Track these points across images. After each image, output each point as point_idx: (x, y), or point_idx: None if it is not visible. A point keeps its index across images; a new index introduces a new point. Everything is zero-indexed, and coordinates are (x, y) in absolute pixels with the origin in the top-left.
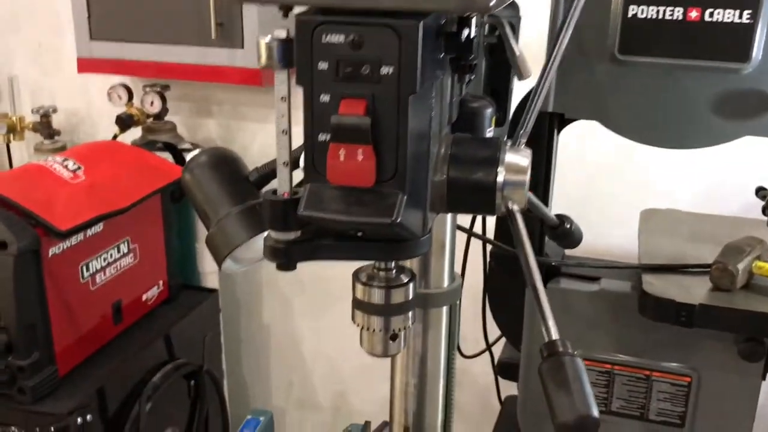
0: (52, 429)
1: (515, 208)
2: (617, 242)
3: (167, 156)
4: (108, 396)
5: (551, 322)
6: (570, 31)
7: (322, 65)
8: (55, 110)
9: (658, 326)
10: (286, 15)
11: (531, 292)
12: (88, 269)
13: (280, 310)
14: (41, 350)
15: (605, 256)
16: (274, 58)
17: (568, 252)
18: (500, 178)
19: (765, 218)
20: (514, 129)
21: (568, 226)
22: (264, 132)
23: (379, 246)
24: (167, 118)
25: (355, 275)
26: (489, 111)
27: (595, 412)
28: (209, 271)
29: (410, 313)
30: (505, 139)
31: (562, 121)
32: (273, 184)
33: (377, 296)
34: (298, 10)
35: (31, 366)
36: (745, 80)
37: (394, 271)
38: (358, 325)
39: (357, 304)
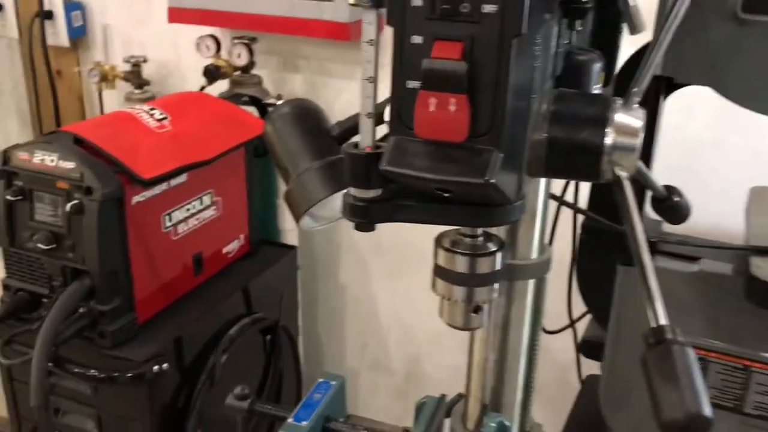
0: (129, 375)
1: (623, 174)
2: (719, 221)
3: (252, 110)
4: (185, 346)
5: (659, 305)
6: None
7: (416, 2)
8: (145, 60)
9: (762, 314)
10: None
11: (638, 269)
12: (170, 219)
13: (357, 271)
14: (122, 297)
15: (706, 236)
16: None
17: (666, 229)
18: (608, 140)
19: None
20: (618, 89)
21: (677, 199)
22: (349, 89)
23: (467, 210)
24: (254, 71)
25: (438, 240)
26: (597, 66)
27: (708, 411)
28: (289, 228)
29: (496, 285)
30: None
31: (670, 86)
32: (356, 139)
33: (461, 264)
34: None
35: (111, 311)
36: None
37: (480, 238)
38: (438, 294)
39: (438, 272)
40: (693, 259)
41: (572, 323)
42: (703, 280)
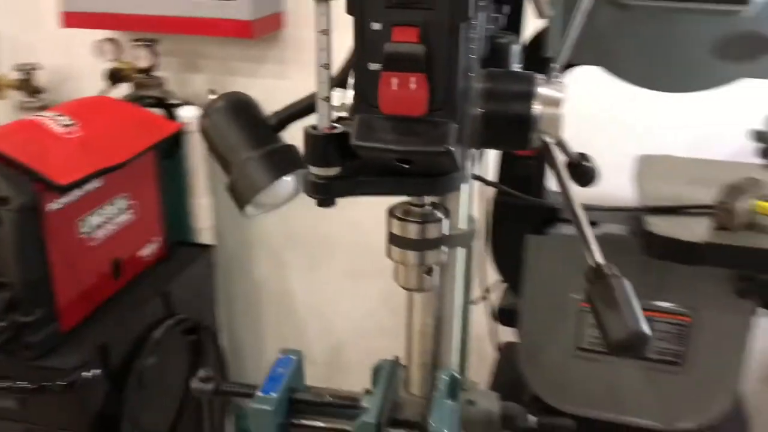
0: (60, 383)
1: (550, 140)
2: (612, 189)
3: (158, 111)
4: (111, 351)
5: (595, 247)
6: None
7: None
8: (37, 67)
9: (657, 268)
10: None
11: (573, 219)
12: (87, 225)
13: (273, 266)
14: (44, 306)
15: (600, 203)
16: None
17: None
18: (536, 111)
19: (760, 161)
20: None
21: (587, 163)
22: (254, 86)
23: (420, 181)
24: (156, 73)
25: (391, 211)
26: (517, 47)
27: (647, 329)
28: (204, 227)
29: (444, 248)
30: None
31: (564, 67)
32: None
33: (413, 231)
34: None
35: (34, 322)
36: (745, 23)
37: (428, 207)
38: (394, 261)
39: (393, 240)
40: (592, 224)
41: (487, 293)
42: (604, 243)
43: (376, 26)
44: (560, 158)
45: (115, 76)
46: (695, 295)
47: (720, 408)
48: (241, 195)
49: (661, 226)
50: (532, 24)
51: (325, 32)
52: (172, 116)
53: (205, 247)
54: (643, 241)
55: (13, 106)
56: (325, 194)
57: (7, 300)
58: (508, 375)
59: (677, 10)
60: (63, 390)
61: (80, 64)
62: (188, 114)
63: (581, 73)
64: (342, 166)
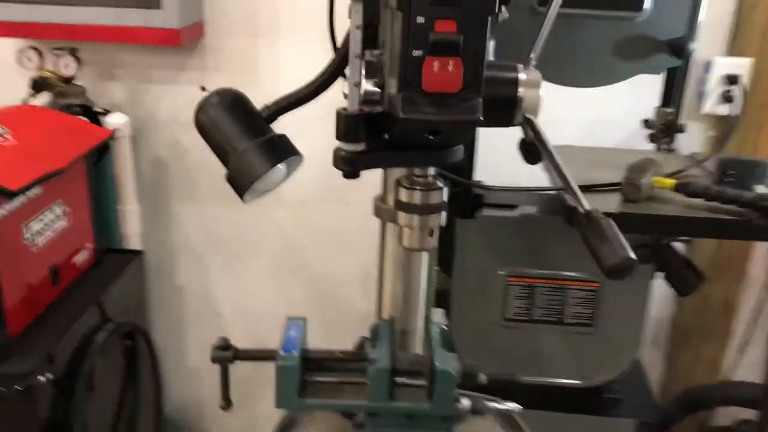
0: (15, 389)
1: (533, 117)
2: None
3: (84, 119)
4: (57, 357)
5: (581, 197)
6: None
7: None
8: None
9: (569, 242)
10: None
11: (561, 179)
12: (29, 231)
13: (195, 270)
14: None
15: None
16: None
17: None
18: (520, 93)
19: (648, 147)
20: None
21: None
22: (174, 94)
23: (427, 154)
24: (76, 82)
25: (398, 181)
26: (492, 42)
27: (633, 255)
28: (132, 234)
29: (443, 213)
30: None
31: None
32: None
33: (418, 198)
34: None
35: None
36: (638, 27)
37: (431, 177)
38: (401, 225)
39: (401, 206)
40: (511, 207)
41: None
42: (524, 222)
43: (420, 20)
44: (542, 131)
45: (39, 85)
46: None
47: (624, 363)
48: (240, 183)
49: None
50: None
51: (359, 27)
52: (97, 124)
53: (135, 253)
54: (566, 216)
55: None
56: (351, 167)
57: None
58: None
59: (582, 15)
60: (18, 396)
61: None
62: (117, 121)
63: None
64: (367, 142)
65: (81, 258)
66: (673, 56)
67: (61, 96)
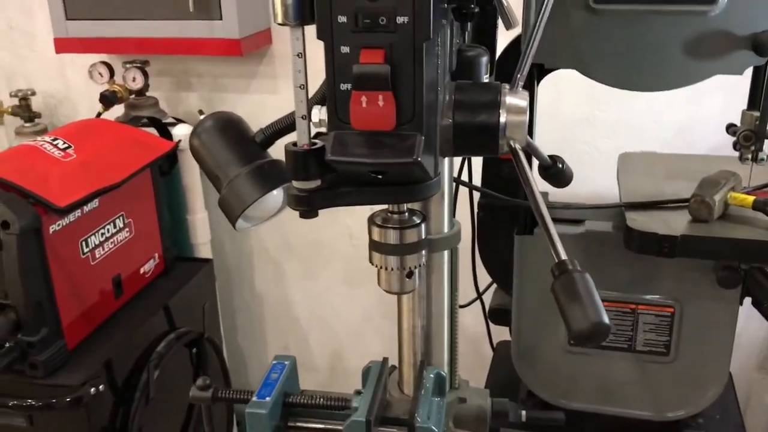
0: (67, 400)
1: (517, 146)
2: (596, 188)
3: (152, 131)
4: (115, 367)
5: (559, 246)
6: None
7: (342, 18)
8: (33, 93)
9: (642, 261)
10: None
11: (539, 219)
12: (87, 245)
13: (272, 275)
14: (49, 326)
15: (586, 201)
16: (289, 16)
17: (551, 199)
18: (502, 119)
19: (735, 154)
20: (499, 76)
21: (561, 165)
22: (243, 102)
23: (395, 189)
24: (148, 93)
25: (371, 219)
26: (485, 59)
27: (606, 319)
28: (201, 242)
29: (423, 252)
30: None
31: (542, 71)
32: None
33: (393, 237)
34: None
35: (40, 341)
36: (713, 22)
37: (406, 213)
38: (375, 266)
39: (374, 246)
40: (578, 222)
41: (480, 295)
42: (589, 239)
43: (344, 49)
44: (524, 161)
45: (110, 99)
46: (680, 286)
47: (708, 396)
48: (231, 210)
49: (639, 220)
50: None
51: (301, 55)
52: (166, 135)
53: (204, 261)
54: (624, 236)
55: (10, 131)
56: (307, 206)
57: (13, 321)
58: (504, 373)
59: (647, 12)
60: (70, 406)
61: (74, 87)
62: (182, 132)
63: (565, 75)
64: (322, 178)
65: (148, 267)
66: (755, 54)
67: (133, 108)
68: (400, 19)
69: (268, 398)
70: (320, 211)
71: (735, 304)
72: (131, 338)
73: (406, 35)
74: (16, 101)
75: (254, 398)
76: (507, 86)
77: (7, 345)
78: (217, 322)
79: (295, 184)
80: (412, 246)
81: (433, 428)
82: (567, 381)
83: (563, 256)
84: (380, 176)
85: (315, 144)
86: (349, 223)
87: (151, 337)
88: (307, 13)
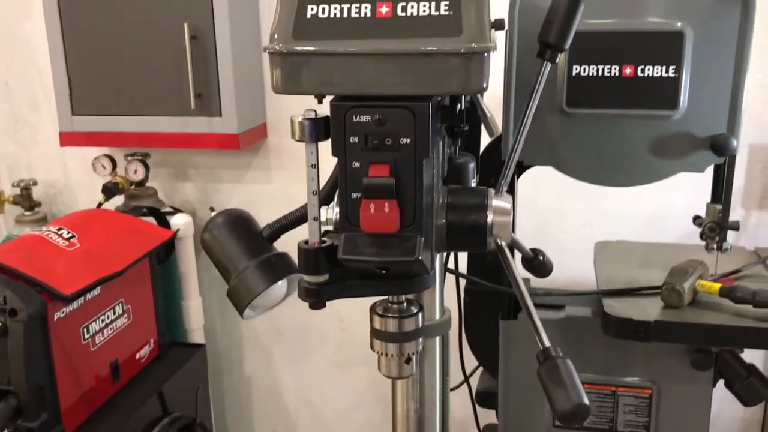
0: None
1: (503, 243)
2: (572, 272)
3: (151, 220)
4: None
5: (543, 333)
6: (539, 94)
7: (354, 139)
8: (35, 183)
9: (620, 345)
10: (320, 101)
11: (524, 309)
12: (88, 331)
13: (261, 360)
14: (49, 411)
15: (565, 286)
16: (305, 134)
17: (533, 284)
18: (489, 220)
19: (702, 243)
20: (483, 169)
21: (542, 258)
22: (238, 191)
23: (395, 282)
24: (147, 184)
25: (372, 309)
26: (472, 165)
27: (586, 401)
28: (195, 328)
29: (420, 339)
30: (488, 187)
31: (521, 168)
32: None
33: (392, 325)
34: (331, 97)
35: (39, 427)
36: (675, 125)
37: (404, 303)
38: (376, 352)
39: (375, 334)
40: (558, 307)
41: (466, 378)
42: (569, 324)
43: (356, 164)
44: (510, 258)
45: (112, 190)
46: (657, 369)
47: None
48: (240, 300)
49: (615, 307)
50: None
51: (314, 166)
52: (164, 223)
53: (198, 347)
54: (602, 322)
55: (9, 218)
56: (316, 298)
57: (15, 407)
58: None
59: (615, 116)
60: None
61: (74, 178)
62: (180, 221)
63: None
64: (330, 273)
65: (143, 353)
66: (714, 153)
67: (132, 198)
68: (403, 140)
69: None
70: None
71: (709, 386)
72: (127, 423)
73: (408, 153)
74: (17, 190)
75: None
76: (493, 191)
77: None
78: (209, 406)
79: (306, 278)
80: (411, 333)
81: None
82: None
83: (547, 343)
84: (384, 271)
85: (324, 242)
86: (339, 309)
87: (146, 421)
88: (321, 133)
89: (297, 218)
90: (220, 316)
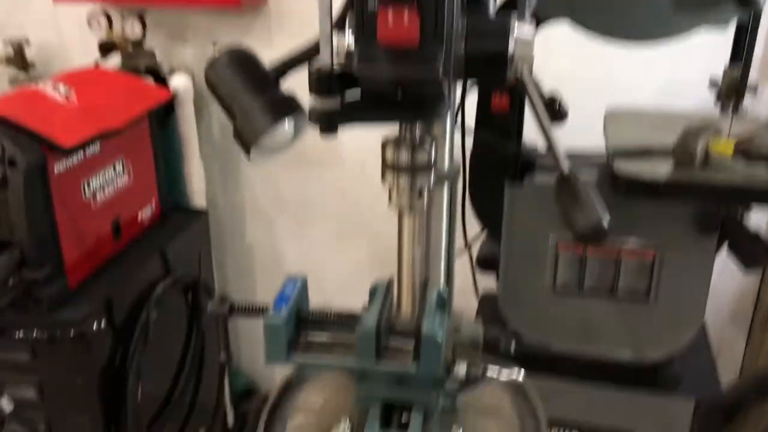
0: (71, 335)
1: (525, 74)
2: (583, 141)
3: (150, 81)
4: (115, 306)
5: (563, 159)
6: None
7: None
8: (27, 42)
9: (626, 208)
10: None
11: (545, 138)
12: (89, 187)
13: (263, 230)
14: (52, 263)
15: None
16: None
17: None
18: (511, 48)
19: (716, 112)
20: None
21: (559, 99)
22: None
23: (410, 109)
24: (145, 44)
25: (385, 141)
26: None
27: (607, 219)
28: (197, 192)
29: (432, 172)
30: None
31: (536, 23)
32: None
33: (404, 157)
34: None
35: (44, 278)
36: None
37: (417, 136)
38: (388, 185)
39: (387, 166)
40: None
41: (468, 246)
42: None
43: None
44: (533, 88)
45: (107, 48)
46: (660, 233)
47: (684, 339)
48: (246, 139)
49: (626, 167)
50: None
51: None
52: (163, 85)
53: (200, 213)
54: (611, 182)
55: (2, 81)
56: (328, 122)
57: (18, 258)
58: (489, 321)
59: None
60: (73, 341)
61: (68, 38)
62: (180, 82)
63: (554, 32)
64: (342, 98)
65: (145, 214)
66: (739, 7)
67: (130, 58)
68: None
69: (283, 312)
70: (311, 166)
71: (711, 252)
72: (130, 280)
73: None
74: (9, 50)
75: (270, 312)
76: (515, 18)
77: (11, 281)
78: (211, 271)
79: (317, 102)
80: (423, 166)
81: (438, 339)
82: (551, 323)
83: (566, 168)
84: (400, 89)
85: (339, 65)
86: (339, 181)
87: (149, 280)
88: None
89: (304, 53)
90: (222, 184)
